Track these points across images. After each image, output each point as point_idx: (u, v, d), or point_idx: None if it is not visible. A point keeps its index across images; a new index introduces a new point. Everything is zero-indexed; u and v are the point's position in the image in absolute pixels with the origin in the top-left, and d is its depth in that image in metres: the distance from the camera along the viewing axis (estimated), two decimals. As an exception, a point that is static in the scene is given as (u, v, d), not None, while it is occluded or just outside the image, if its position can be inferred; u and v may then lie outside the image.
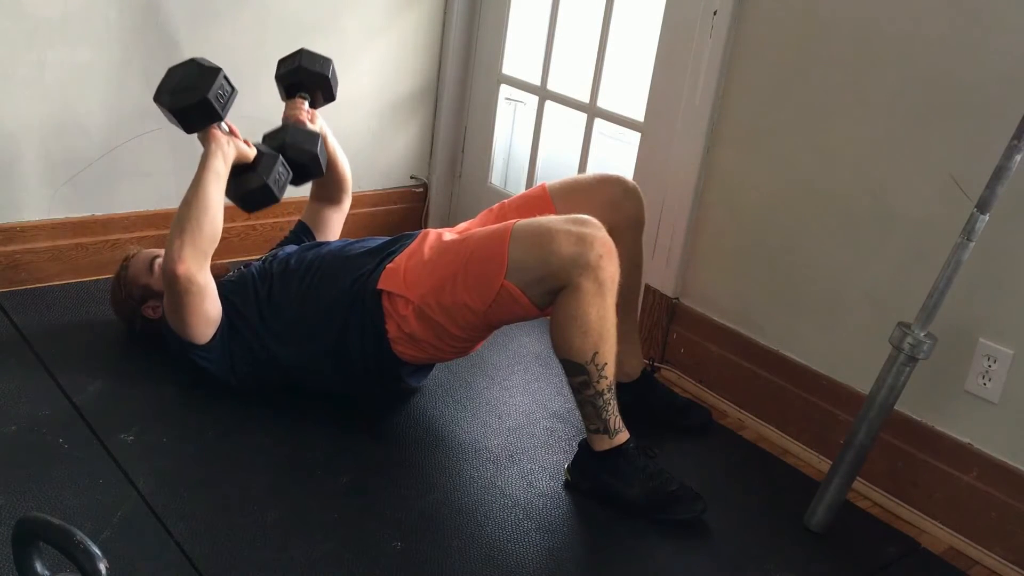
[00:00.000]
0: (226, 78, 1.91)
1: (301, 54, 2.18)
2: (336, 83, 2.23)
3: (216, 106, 1.88)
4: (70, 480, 1.68)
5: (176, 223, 1.87)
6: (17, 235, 2.40)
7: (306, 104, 2.19)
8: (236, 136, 1.97)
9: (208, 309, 1.93)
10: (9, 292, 2.38)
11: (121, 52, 2.41)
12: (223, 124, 1.95)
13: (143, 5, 2.41)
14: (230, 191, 1.97)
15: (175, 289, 1.87)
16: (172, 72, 1.92)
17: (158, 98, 1.91)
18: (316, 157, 2.10)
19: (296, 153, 2.07)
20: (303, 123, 2.16)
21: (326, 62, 2.20)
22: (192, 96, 1.86)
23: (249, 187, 1.97)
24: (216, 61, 2.31)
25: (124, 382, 2.05)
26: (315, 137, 2.12)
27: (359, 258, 2.01)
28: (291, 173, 2.04)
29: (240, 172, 1.97)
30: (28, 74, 2.30)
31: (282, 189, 2.02)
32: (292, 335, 1.99)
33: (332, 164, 2.29)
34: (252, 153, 1.99)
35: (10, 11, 2.23)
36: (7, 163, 2.34)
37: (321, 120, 2.24)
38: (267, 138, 2.10)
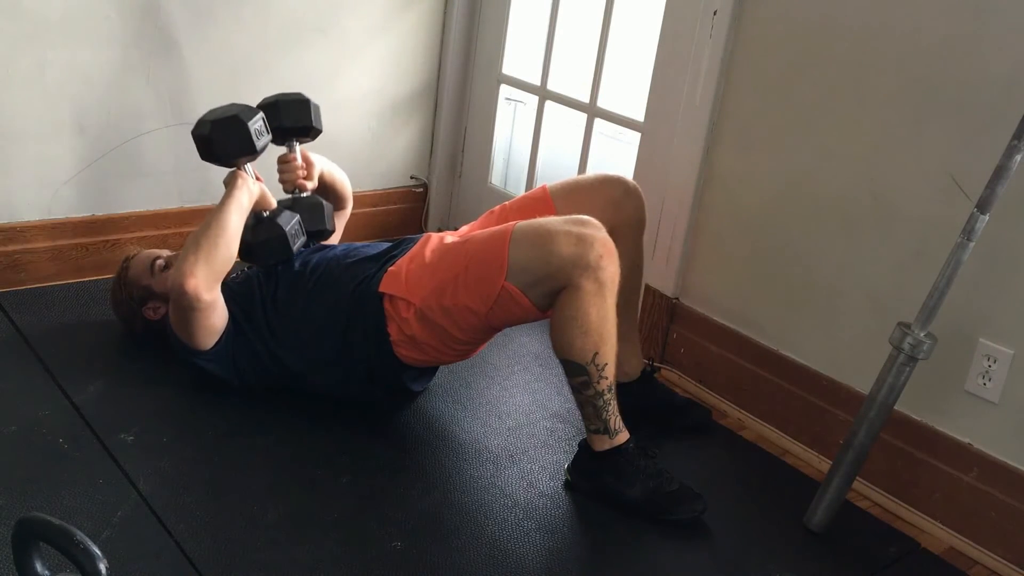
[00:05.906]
0: (265, 120, 1.96)
1: (279, 107, 2.13)
2: (319, 118, 2.19)
3: (253, 138, 1.91)
4: (70, 480, 1.68)
5: (192, 241, 1.88)
6: (17, 235, 2.40)
7: (297, 153, 2.17)
8: (261, 182, 2.02)
9: (213, 323, 1.94)
10: (9, 292, 2.38)
11: (121, 52, 2.41)
12: (250, 168, 1.98)
13: (143, 5, 2.41)
14: (244, 239, 1.98)
15: (181, 303, 1.87)
16: (213, 110, 1.97)
17: (197, 129, 1.94)
18: (325, 231, 2.18)
19: (308, 225, 2.13)
20: (303, 187, 2.18)
21: (303, 108, 2.14)
22: (233, 124, 1.89)
23: (268, 235, 2.01)
24: (216, 61, 2.33)
25: (124, 382, 2.05)
26: (320, 210, 2.17)
27: (362, 263, 2.02)
28: (305, 236, 2.11)
29: (257, 222, 2.01)
30: (28, 74, 2.30)
31: (296, 247, 2.06)
32: (295, 338, 1.99)
33: (332, 187, 2.31)
34: (273, 204, 2.05)
35: (10, 11, 2.23)
36: (7, 163, 2.34)
37: (316, 159, 2.22)
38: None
